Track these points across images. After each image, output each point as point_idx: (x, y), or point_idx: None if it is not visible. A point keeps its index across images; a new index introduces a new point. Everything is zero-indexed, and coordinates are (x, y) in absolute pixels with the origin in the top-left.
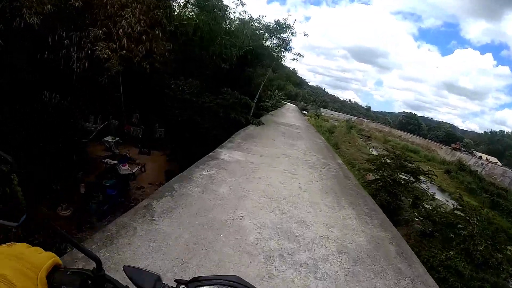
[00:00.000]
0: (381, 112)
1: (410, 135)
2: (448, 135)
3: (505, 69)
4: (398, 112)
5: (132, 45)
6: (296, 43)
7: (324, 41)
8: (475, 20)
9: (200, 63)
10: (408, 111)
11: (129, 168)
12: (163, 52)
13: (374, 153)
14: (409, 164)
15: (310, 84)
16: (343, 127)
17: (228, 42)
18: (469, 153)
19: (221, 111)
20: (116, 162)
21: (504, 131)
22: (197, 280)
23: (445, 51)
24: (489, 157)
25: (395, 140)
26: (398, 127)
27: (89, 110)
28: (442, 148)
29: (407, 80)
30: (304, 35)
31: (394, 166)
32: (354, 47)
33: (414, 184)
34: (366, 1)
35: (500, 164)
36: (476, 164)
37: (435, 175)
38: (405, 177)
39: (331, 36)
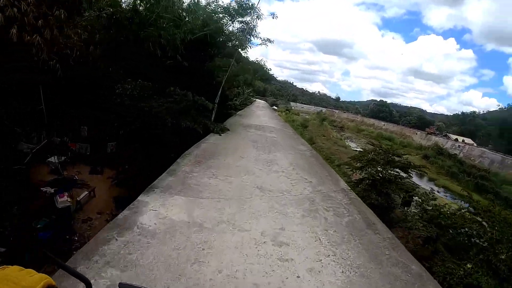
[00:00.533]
0: (350, 102)
1: (383, 123)
2: (420, 119)
3: (468, 52)
4: (366, 101)
5: (28, 36)
6: (263, 34)
7: (289, 35)
8: (437, 6)
9: (138, 54)
10: (376, 98)
11: (68, 200)
12: (76, 43)
13: (351, 144)
14: (397, 158)
15: (278, 79)
16: (315, 120)
17: (170, 23)
18: (443, 136)
19: (168, 119)
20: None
21: (475, 112)
22: None
23: (409, 39)
24: (464, 138)
25: (368, 128)
26: (370, 116)
27: (21, 127)
28: (416, 133)
29: (373, 68)
30: (273, 17)
31: (383, 162)
32: (319, 39)
33: (405, 180)
34: None
35: (476, 145)
36: (453, 147)
37: (426, 168)
38: (395, 173)
39: (296, 30)
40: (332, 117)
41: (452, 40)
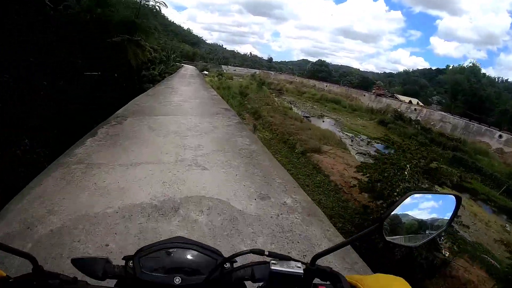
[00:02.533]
0: (282, 62)
1: (326, 84)
2: (363, 80)
3: (397, 13)
4: (297, 60)
5: None
6: (189, 0)
7: None
8: None
9: None
10: (307, 58)
11: None
12: None
13: (297, 111)
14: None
15: (207, 42)
16: (252, 84)
17: None
18: (390, 97)
19: None
20: None
21: (417, 69)
22: (142, 250)
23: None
24: (414, 100)
25: (310, 91)
26: (308, 76)
27: None
28: (364, 95)
29: (304, 29)
30: None
31: (415, 171)
32: (249, 0)
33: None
34: None
35: (428, 108)
36: (409, 110)
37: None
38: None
39: None
40: (268, 79)
41: (381, 2)
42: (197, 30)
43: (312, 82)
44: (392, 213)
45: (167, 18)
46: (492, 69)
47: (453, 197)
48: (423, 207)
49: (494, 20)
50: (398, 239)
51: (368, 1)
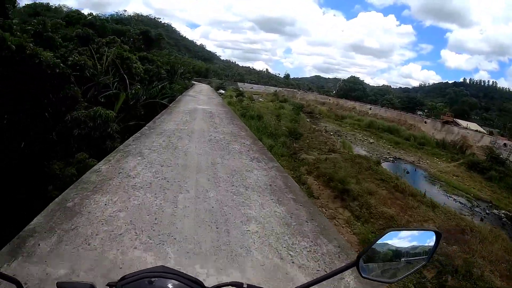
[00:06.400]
0: (295, 78)
1: (370, 106)
2: (410, 100)
3: (407, 28)
4: (310, 77)
5: None
6: (202, 18)
7: (230, 15)
8: None
9: None
10: (320, 74)
11: None
12: None
13: (357, 149)
14: None
15: (221, 58)
16: (284, 108)
17: None
18: (449, 123)
19: None
20: None
21: (433, 83)
22: (125, 278)
23: (350, 15)
24: (473, 124)
25: (351, 114)
26: (339, 95)
27: None
28: (425, 122)
29: (315, 45)
30: None
31: None
32: (260, 18)
33: None
34: None
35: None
36: (496, 145)
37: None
38: None
39: (236, 9)
40: (294, 99)
41: (392, 16)
42: (210, 47)
43: (350, 103)
44: (373, 248)
45: (179, 33)
46: (504, 80)
47: (433, 233)
48: (403, 242)
49: (505, 30)
50: (376, 274)
51: (379, 16)
